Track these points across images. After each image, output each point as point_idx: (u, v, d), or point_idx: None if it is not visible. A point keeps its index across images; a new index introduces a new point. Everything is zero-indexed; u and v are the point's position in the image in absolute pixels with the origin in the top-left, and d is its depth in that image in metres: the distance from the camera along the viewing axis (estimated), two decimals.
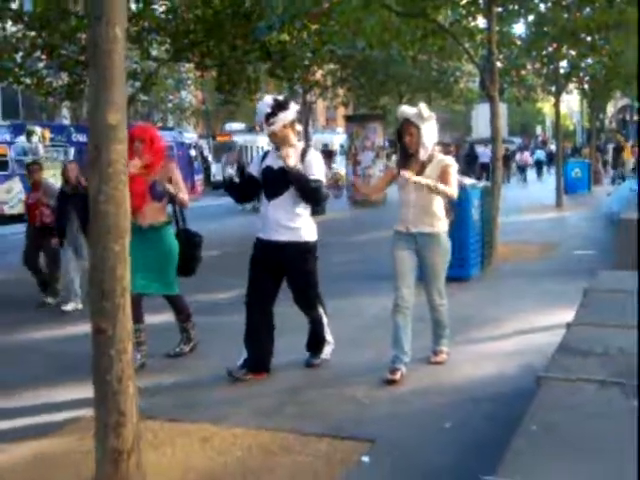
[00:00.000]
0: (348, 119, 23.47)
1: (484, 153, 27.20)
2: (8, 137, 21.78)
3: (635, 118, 37.91)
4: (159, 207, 5.45)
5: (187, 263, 5.60)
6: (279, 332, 5.49)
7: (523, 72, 18.79)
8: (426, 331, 5.42)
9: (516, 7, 10.61)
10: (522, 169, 34.22)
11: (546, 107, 55.95)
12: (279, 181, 4.92)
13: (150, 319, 5.90)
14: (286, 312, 5.32)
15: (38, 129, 22.83)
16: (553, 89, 18.22)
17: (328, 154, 29.99)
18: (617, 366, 2.69)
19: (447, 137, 65.29)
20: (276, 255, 4.99)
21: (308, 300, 5.21)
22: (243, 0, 12.38)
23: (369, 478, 3.60)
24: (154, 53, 14.58)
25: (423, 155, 4.92)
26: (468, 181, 8.98)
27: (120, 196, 3.34)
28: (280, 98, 5.03)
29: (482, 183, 10.01)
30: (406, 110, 4.96)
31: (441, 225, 5.05)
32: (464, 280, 8.32)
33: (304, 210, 5.01)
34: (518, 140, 50.57)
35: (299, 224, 4.97)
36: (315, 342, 5.37)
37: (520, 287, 8.08)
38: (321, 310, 5.30)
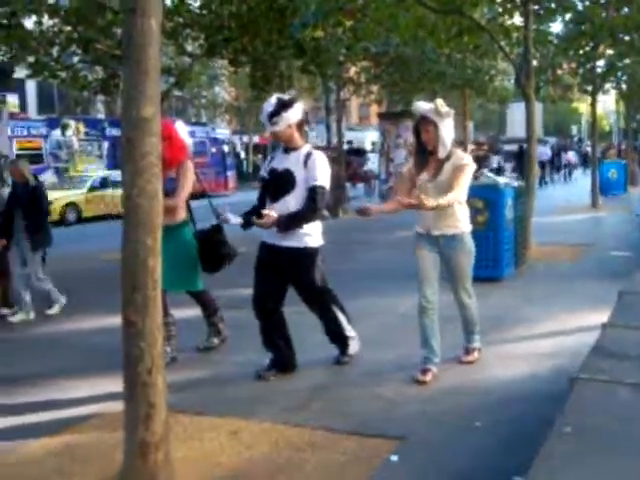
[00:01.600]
0: (381, 117, 23.39)
1: (543, 152, 30.20)
2: (44, 131, 22.11)
3: None
4: (172, 205, 5.30)
5: (210, 260, 5.53)
6: (311, 329, 5.48)
7: (559, 71, 18.54)
8: (457, 330, 5.36)
9: (553, 5, 10.47)
10: (566, 167, 34.99)
11: (582, 107, 55.21)
12: (282, 183, 4.82)
13: (182, 313, 5.93)
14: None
15: (72, 123, 23.12)
16: (589, 89, 17.95)
17: (360, 152, 30.02)
18: None
19: (481, 136, 64.88)
20: (278, 258, 4.89)
21: (316, 302, 5.10)
22: None
23: (397, 476, 3.57)
24: (189, 49, 14.61)
25: (442, 153, 4.76)
26: (502, 180, 8.88)
27: (153, 189, 3.34)
28: (285, 97, 4.89)
29: (516, 182, 9.85)
30: (422, 106, 4.78)
31: (463, 225, 4.92)
32: (497, 280, 8.25)
33: None
34: (553, 140, 49.95)
35: (302, 229, 4.83)
36: (337, 341, 5.29)
37: (554, 288, 7.97)
38: (335, 309, 5.14)
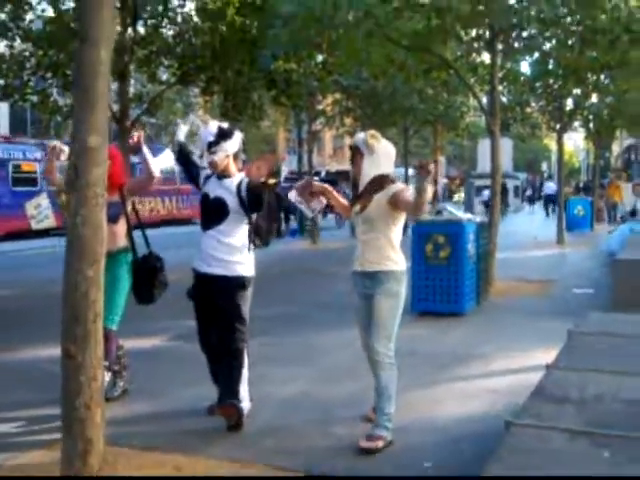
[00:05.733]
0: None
1: (548, 187, 34.90)
2: (38, 155, 22.15)
3: None
4: (114, 231, 5.00)
5: (143, 290, 5.21)
6: (266, 361, 5.41)
7: (528, 109, 18.80)
8: (417, 366, 5.30)
9: (518, 44, 10.64)
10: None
11: (552, 144, 56.14)
12: (215, 211, 4.70)
13: (133, 343, 5.83)
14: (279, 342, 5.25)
15: (66, 148, 23.00)
16: (557, 126, 18.22)
17: (333, 183, 30.07)
18: (591, 414, 2.61)
19: (454, 170, 65.63)
20: (207, 288, 4.72)
21: (232, 341, 4.66)
22: (250, 27, 12.46)
23: None
24: (164, 77, 14.65)
25: (360, 186, 4.44)
26: (464, 216, 8.93)
27: (96, 220, 3.31)
28: (225, 126, 4.81)
29: (481, 218, 9.90)
30: (357, 136, 4.56)
31: (391, 264, 4.39)
32: (458, 315, 8.27)
33: (241, 243, 4.75)
34: (523, 176, 50.65)
35: (234, 258, 4.69)
36: (228, 392, 4.67)
37: (514, 324, 7.99)
38: (245, 359, 4.75)
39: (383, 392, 4.37)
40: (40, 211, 14.89)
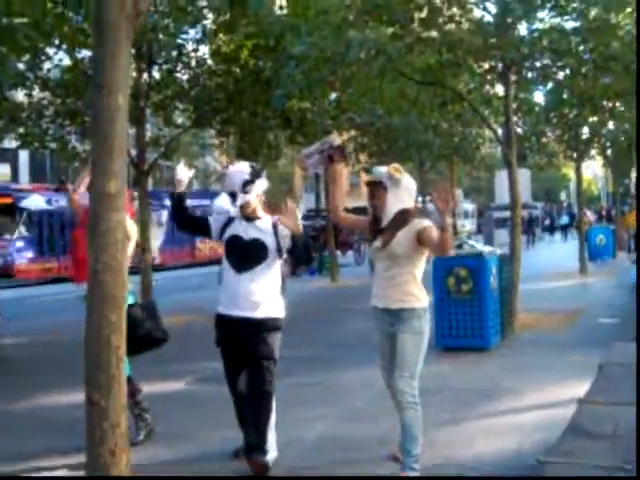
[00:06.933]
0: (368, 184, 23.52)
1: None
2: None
3: None
4: None
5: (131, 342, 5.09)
6: (287, 403, 5.35)
7: (544, 139, 18.77)
8: (443, 403, 5.21)
9: (531, 75, 10.65)
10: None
11: (570, 172, 55.98)
12: (253, 253, 4.61)
13: (160, 387, 5.78)
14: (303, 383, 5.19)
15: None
16: (574, 155, 18.17)
17: None
18: (626, 450, 2.52)
19: (471, 202, 65.65)
20: (241, 332, 4.60)
21: (263, 384, 4.55)
22: (263, 68, 12.60)
23: None
24: (179, 121, 14.79)
25: (384, 221, 4.39)
26: (486, 249, 8.86)
27: (117, 266, 3.29)
28: (257, 166, 4.75)
29: (499, 251, 9.76)
30: (378, 170, 4.50)
31: (414, 300, 4.34)
32: (483, 350, 8.15)
33: (275, 285, 4.71)
34: (540, 205, 50.47)
35: (270, 300, 4.63)
36: (256, 440, 4.54)
37: (541, 358, 7.84)
38: (273, 403, 4.64)
39: (408, 432, 4.30)
40: None
